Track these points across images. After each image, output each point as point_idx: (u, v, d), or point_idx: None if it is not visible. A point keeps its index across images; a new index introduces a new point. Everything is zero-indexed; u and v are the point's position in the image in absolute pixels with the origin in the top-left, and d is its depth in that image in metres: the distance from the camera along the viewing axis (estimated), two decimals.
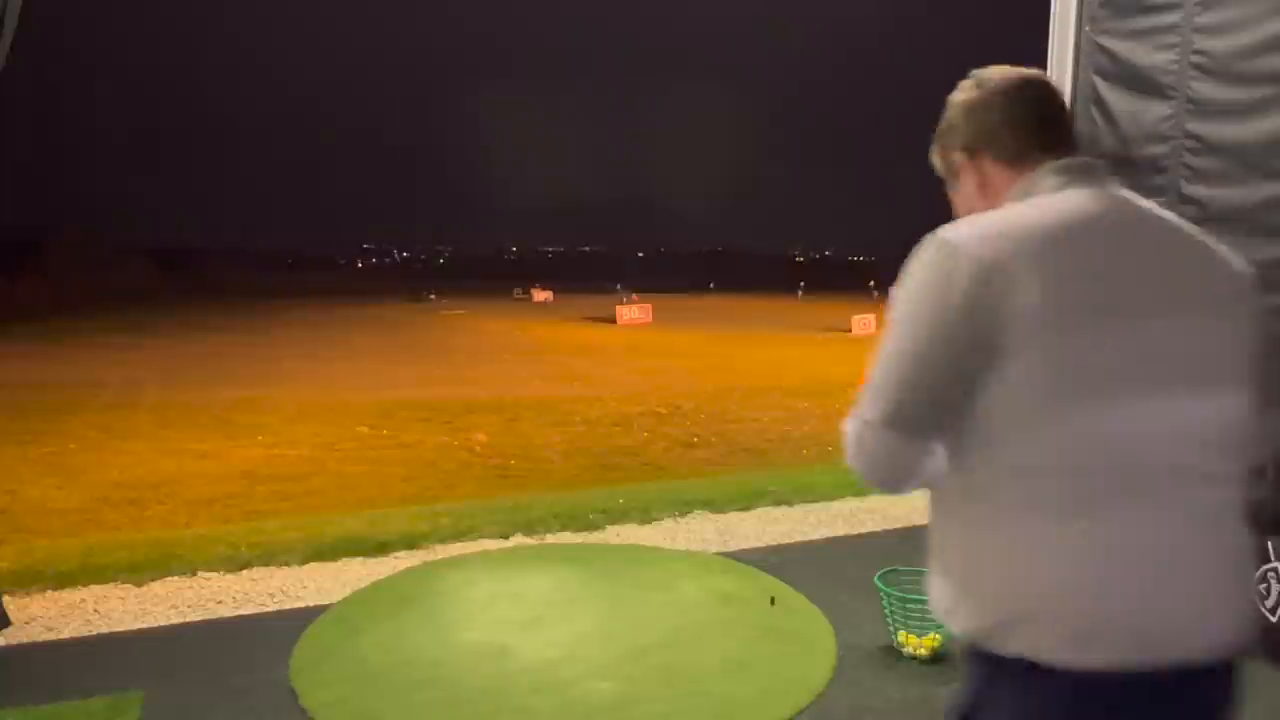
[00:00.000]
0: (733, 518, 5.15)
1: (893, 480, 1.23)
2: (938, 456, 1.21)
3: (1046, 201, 1.24)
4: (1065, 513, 1.10)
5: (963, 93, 1.40)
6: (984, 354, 1.11)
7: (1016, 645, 1.10)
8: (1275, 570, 3.28)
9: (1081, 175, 1.27)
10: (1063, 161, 1.29)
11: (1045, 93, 1.37)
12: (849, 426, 1.24)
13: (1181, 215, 4.75)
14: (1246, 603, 1.18)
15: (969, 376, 1.13)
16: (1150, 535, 1.10)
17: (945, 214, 1.42)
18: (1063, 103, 1.39)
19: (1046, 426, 1.10)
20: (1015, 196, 1.29)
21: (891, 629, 3.32)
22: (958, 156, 1.40)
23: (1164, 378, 1.14)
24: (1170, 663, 1.08)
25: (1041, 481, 1.11)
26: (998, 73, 1.38)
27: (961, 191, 1.42)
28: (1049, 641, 1.08)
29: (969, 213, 1.35)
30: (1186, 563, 1.12)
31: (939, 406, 1.16)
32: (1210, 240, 1.29)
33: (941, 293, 1.14)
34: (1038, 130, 1.33)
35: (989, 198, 1.35)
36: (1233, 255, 1.29)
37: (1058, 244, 1.15)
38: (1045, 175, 1.28)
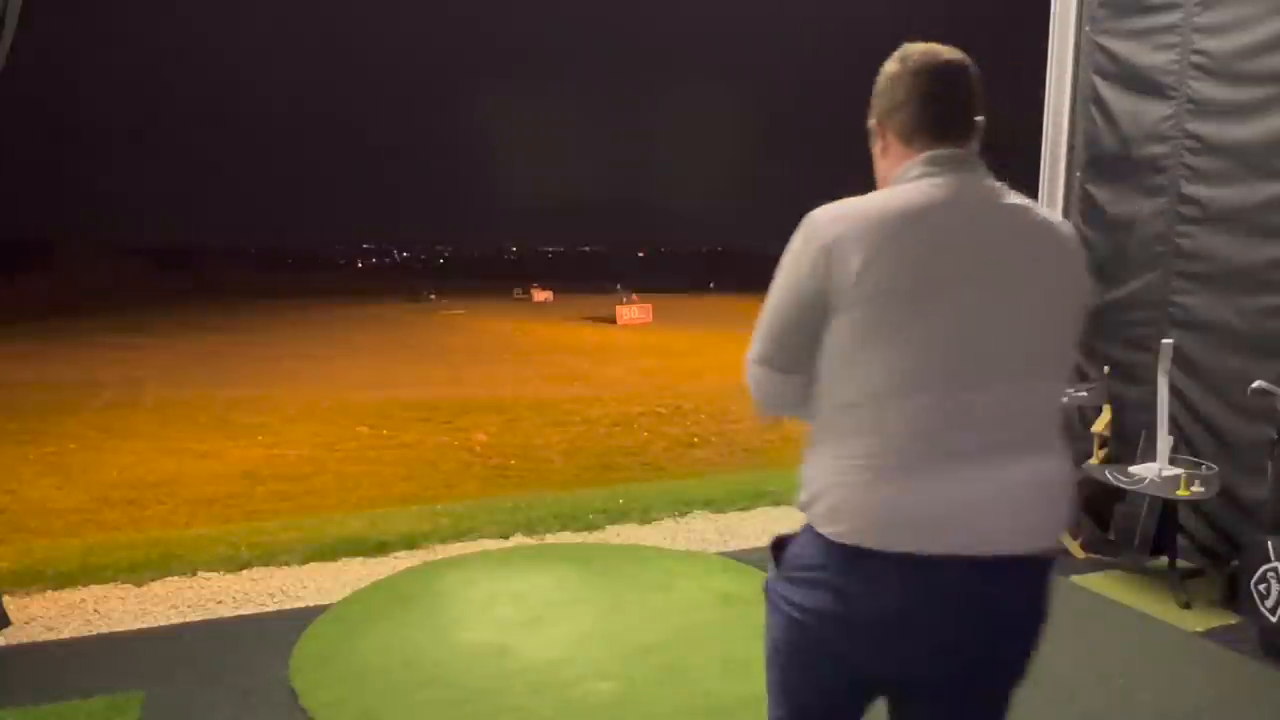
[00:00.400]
0: (733, 518, 5.15)
1: (772, 404, 1.53)
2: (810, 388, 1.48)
3: (909, 188, 1.40)
4: (851, 434, 1.38)
5: (890, 63, 1.49)
6: (821, 312, 1.37)
7: (809, 515, 1.45)
8: (1275, 570, 3.28)
9: (943, 167, 1.40)
10: (931, 153, 1.42)
11: (954, 81, 1.44)
12: (745, 362, 1.53)
13: (1181, 215, 4.75)
14: (1017, 518, 1.36)
15: (814, 329, 1.39)
16: (908, 457, 1.34)
17: None
18: (969, 93, 1.45)
19: (852, 371, 1.37)
20: (892, 181, 1.45)
21: None
22: (872, 121, 1.52)
23: (960, 347, 1.33)
24: (892, 549, 1.33)
25: (846, 412, 1.39)
26: (919, 51, 1.46)
27: (873, 151, 1.55)
28: (818, 513, 1.41)
29: (877, 170, 1.54)
30: (922, 472, 1.33)
31: (798, 351, 1.43)
32: (1061, 235, 1.44)
33: (798, 261, 1.40)
34: (931, 119, 1.43)
35: (888, 163, 1.49)
36: (1077, 250, 1.45)
37: (887, 228, 1.34)
38: (914, 166, 1.42)
